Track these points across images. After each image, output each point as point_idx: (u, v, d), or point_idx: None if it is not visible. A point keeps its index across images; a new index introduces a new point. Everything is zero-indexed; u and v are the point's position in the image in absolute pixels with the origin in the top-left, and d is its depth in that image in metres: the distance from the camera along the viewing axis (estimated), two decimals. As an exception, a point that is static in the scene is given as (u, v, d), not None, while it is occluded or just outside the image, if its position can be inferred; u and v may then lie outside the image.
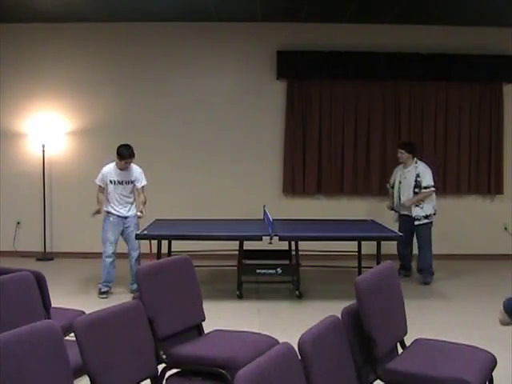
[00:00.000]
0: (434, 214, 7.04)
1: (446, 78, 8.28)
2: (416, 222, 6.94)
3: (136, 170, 6.55)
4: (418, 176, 6.96)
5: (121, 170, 6.46)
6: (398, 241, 6.81)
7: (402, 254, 7.27)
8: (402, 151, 7.08)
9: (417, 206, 6.93)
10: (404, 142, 7.39)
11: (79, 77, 8.34)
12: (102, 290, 6.39)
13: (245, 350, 3.20)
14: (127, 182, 6.51)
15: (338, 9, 7.62)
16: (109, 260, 6.43)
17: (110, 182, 6.46)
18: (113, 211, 6.47)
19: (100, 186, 6.52)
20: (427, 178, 6.96)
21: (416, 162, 7.06)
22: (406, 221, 7.04)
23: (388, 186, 7.52)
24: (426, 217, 6.94)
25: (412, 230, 7.02)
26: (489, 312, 5.78)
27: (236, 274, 6.30)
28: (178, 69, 8.42)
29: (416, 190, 6.94)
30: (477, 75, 8.26)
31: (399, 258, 7.28)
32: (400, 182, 7.13)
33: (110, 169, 6.50)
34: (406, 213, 7.06)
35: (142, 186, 6.55)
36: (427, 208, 6.95)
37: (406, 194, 7.03)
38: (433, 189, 6.97)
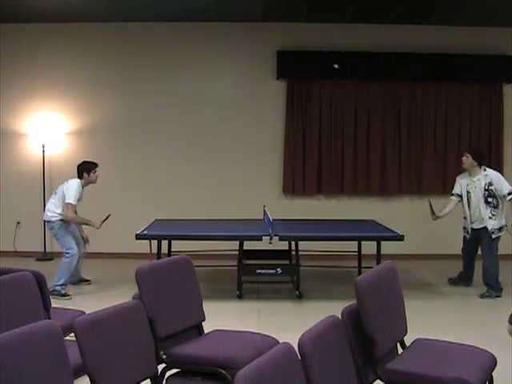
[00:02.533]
0: (506, 226, 6.38)
1: (446, 78, 8.28)
2: (493, 236, 6.30)
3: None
4: (490, 184, 6.28)
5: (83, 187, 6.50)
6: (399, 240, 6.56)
7: (463, 264, 6.82)
8: (468, 155, 6.41)
9: (490, 218, 6.28)
10: (472, 147, 6.93)
11: (79, 77, 8.34)
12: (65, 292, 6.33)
13: (245, 350, 3.20)
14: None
15: (338, 9, 7.62)
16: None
17: (79, 200, 6.50)
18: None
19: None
20: (505, 184, 6.29)
21: (485, 170, 6.40)
22: (476, 233, 6.47)
23: (453, 197, 6.66)
24: (500, 230, 6.32)
25: (478, 241, 6.46)
26: (489, 312, 5.82)
27: (236, 274, 6.30)
28: (177, 69, 8.42)
29: (489, 199, 6.27)
30: (477, 75, 8.26)
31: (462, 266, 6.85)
32: (468, 192, 6.45)
33: (78, 189, 6.46)
34: (479, 226, 6.40)
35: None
36: (500, 220, 6.31)
37: (475, 205, 6.37)
38: None
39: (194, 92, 8.39)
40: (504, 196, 6.26)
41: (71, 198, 6.36)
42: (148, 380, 2.98)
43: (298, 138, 8.36)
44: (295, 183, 8.41)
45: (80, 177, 6.54)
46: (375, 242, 6.16)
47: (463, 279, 6.86)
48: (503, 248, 8.31)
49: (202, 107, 8.40)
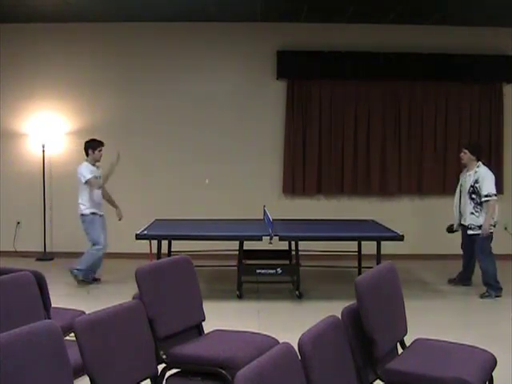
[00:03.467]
0: (494, 226, 6.39)
1: (446, 78, 8.27)
2: (469, 232, 6.42)
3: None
4: (476, 181, 6.35)
5: (94, 164, 6.82)
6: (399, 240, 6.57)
7: (463, 263, 6.83)
8: (466, 151, 6.50)
9: (472, 213, 6.37)
10: (470, 142, 7.00)
11: (79, 77, 8.34)
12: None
13: (245, 350, 3.20)
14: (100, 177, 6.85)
15: (338, 9, 7.62)
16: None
17: (96, 177, 6.76)
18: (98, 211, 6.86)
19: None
20: (488, 184, 6.28)
21: (478, 166, 6.44)
22: (464, 230, 6.60)
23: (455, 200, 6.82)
24: (481, 227, 6.31)
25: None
26: (489, 312, 5.82)
27: (236, 274, 6.30)
28: (177, 69, 8.42)
29: (473, 196, 6.36)
30: (477, 75, 8.25)
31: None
32: (461, 186, 6.63)
33: (88, 167, 6.77)
34: (465, 223, 6.52)
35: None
36: (483, 218, 6.32)
37: (463, 200, 6.51)
38: (494, 198, 6.29)
39: (194, 92, 8.39)
40: (480, 196, 6.29)
41: (85, 175, 6.71)
42: (148, 380, 2.98)
43: (298, 138, 8.35)
44: (295, 183, 8.40)
45: (87, 154, 6.86)
46: (375, 242, 6.16)
47: (462, 279, 6.86)
48: (503, 248, 8.35)
49: (201, 107, 8.40)
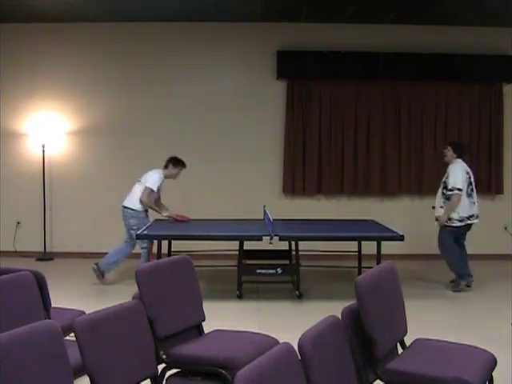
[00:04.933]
0: (460, 221, 6.56)
1: (446, 78, 8.28)
2: (435, 223, 6.70)
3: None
4: (446, 177, 6.62)
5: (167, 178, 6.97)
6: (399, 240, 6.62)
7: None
8: (449, 148, 6.75)
9: (441, 207, 6.61)
10: (454, 141, 7.18)
11: (79, 77, 8.34)
12: None
13: (245, 350, 3.20)
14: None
15: (338, 9, 7.62)
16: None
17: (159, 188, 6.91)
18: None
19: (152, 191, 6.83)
20: (454, 179, 6.50)
21: (453, 163, 6.67)
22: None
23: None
24: (448, 220, 6.55)
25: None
26: (489, 312, 5.82)
27: (236, 274, 6.30)
28: (177, 69, 8.42)
29: (444, 190, 6.61)
30: (477, 75, 8.26)
31: None
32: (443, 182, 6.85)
33: (161, 177, 6.91)
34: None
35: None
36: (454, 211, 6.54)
37: (438, 194, 6.76)
38: (457, 192, 6.46)
39: (194, 92, 8.39)
40: (449, 189, 6.52)
41: (155, 183, 6.85)
42: (148, 380, 2.98)
43: (298, 138, 8.35)
44: (295, 183, 8.40)
45: (166, 166, 7.05)
46: (375, 242, 6.16)
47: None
48: (503, 248, 8.36)
49: (201, 107, 8.40)
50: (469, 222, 6.63)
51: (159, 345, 3.20)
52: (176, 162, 6.97)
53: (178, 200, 8.26)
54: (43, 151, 8.26)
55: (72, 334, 2.68)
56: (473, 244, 8.47)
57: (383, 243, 6.20)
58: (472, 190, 6.69)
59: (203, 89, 8.40)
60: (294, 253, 6.68)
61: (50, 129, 8.28)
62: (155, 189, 6.79)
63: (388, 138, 8.39)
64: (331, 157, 8.39)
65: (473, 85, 8.35)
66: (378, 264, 5.38)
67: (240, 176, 8.42)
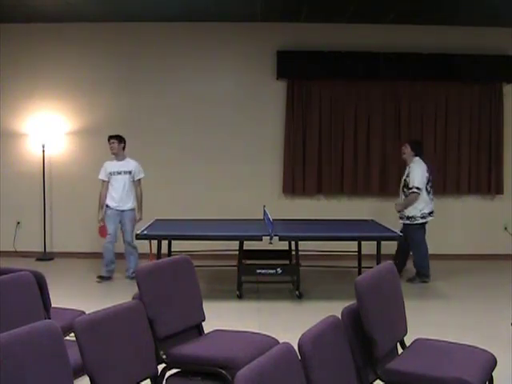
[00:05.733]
0: (422, 217, 6.85)
1: (446, 78, 8.27)
2: (399, 221, 6.98)
3: (133, 162, 7.18)
4: (407, 175, 6.91)
5: (116, 159, 7.12)
6: (397, 241, 6.76)
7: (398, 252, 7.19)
8: (407, 145, 7.05)
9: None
10: (412, 139, 7.47)
11: (79, 77, 8.34)
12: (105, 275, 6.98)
13: (245, 350, 3.20)
14: (125, 173, 7.05)
15: (338, 9, 7.62)
16: None
17: (110, 173, 7.01)
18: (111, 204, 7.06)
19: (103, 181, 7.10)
20: (414, 179, 6.79)
21: (413, 162, 6.94)
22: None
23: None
24: (408, 218, 6.85)
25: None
26: (489, 312, 5.82)
27: (236, 274, 6.30)
28: (177, 69, 8.42)
29: (404, 189, 6.91)
30: (477, 75, 8.26)
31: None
32: (404, 180, 7.08)
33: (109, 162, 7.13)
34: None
35: (139, 179, 7.15)
36: (411, 210, 6.83)
37: (400, 192, 7.08)
38: (416, 190, 6.76)
39: (194, 92, 8.39)
40: (409, 188, 6.82)
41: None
42: (148, 380, 2.98)
43: (298, 138, 8.35)
44: (295, 183, 8.40)
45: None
46: (375, 242, 6.17)
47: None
48: (503, 248, 8.36)
49: (202, 107, 8.40)
50: (429, 218, 6.94)
51: (159, 345, 3.20)
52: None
53: (178, 200, 8.27)
54: (43, 151, 8.26)
55: (72, 334, 2.68)
56: (473, 244, 8.52)
57: (383, 243, 6.21)
58: (431, 187, 6.99)
59: (203, 89, 8.40)
60: (293, 253, 6.68)
61: (50, 129, 8.28)
62: (104, 178, 7.10)
63: (388, 138, 8.39)
64: (331, 157, 8.39)
65: (473, 85, 8.35)
66: (378, 264, 5.38)
67: (240, 176, 8.42)
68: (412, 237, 6.87)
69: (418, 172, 6.83)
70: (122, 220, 7.03)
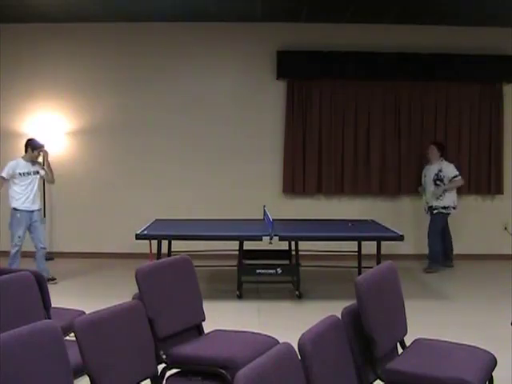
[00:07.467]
0: (453, 208, 7.62)
1: (446, 78, 8.27)
2: (434, 211, 7.60)
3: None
4: (440, 170, 7.58)
5: (31, 162, 6.82)
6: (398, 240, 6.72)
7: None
8: (433, 147, 7.71)
9: (437, 198, 7.55)
10: (436, 141, 7.96)
11: (79, 77, 8.34)
12: None
13: (245, 350, 3.20)
14: (35, 173, 6.84)
15: (338, 9, 7.62)
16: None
17: (19, 174, 6.71)
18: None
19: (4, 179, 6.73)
20: (452, 170, 7.58)
21: (442, 160, 7.69)
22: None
23: (419, 188, 8.06)
24: (444, 208, 7.56)
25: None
26: (489, 312, 5.82)
27: (236, 274, 6.30)
28: (177, 69, 8.42)
29: (438, 182, 7.58)
30: (477, 75, 8.25)
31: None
32: (425, 176, 7.83)
33: (17, 163, 6.77)
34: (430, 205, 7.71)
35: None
36: (447, 199, 7.55)
37: (428, 187, 7.68)
38: (460, 177, 7.60)
39: (194, 92, 8.39)
40: (453, 177, 7.57)
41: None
42: (148, 380, 2.98)
43: (298, 137, 8.35)
44: (295, 183, 8.40)
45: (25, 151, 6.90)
46: (375, 242, 6.17)
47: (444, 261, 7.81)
48: (503, 248, 8.36)
49: (202, 107, 8.40)
50: (454, 211, 7.70)
51: (159, 345, 3.20)
52: (34, 146, 6.89)
53: (177, 200, 8.27)
54: (43, 151, 8.24)
55: (72, 334, 2.68)
56: (473, 244, 8.51)
57: (383, 243, 6.21)
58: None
59: (203, 88, 8.40)
60: (294, 253, 6.68)
61: (50, 129, 8.27)
62: (4, 175, 6.71)
63: (388, 138, 8.39)
64: (331, 157, 8.38)
65: (473, 85, 8.35)
66: (378, 264, 5.38)
67: (240, 176, 8.42)
68: (437, 224, 7.59)
69: (452, 166, 7.63)
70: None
